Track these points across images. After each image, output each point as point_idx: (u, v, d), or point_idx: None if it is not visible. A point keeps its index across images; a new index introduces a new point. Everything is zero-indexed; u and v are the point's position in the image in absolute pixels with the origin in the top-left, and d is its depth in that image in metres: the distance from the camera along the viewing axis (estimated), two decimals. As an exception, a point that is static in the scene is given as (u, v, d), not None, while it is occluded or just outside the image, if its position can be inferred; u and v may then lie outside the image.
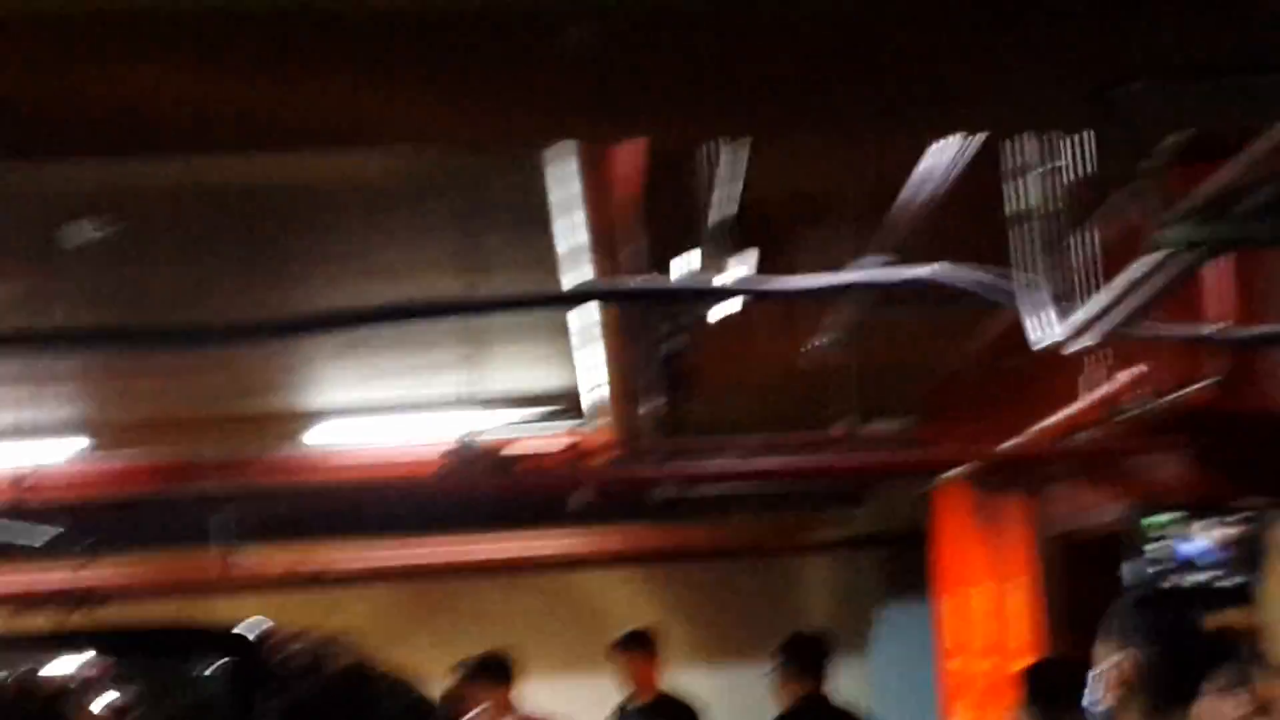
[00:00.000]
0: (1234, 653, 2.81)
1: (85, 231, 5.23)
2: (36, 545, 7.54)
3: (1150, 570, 5.35)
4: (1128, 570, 5.35)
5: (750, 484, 7.80)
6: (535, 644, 9.52)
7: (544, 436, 7.02)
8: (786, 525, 10.31)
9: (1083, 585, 6.63)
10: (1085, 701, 3.45)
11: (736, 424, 7.18)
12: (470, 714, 7.47)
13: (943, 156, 4.12)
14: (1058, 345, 3.83)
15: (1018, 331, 4.00)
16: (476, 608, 10.87)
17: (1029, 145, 3.90)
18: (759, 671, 7.59)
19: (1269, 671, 2.58)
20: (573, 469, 6.83)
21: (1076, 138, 3.72)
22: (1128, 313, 3.58)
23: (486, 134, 3.57)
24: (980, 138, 3.89)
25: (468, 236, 5.60)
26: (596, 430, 6.89)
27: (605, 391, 6.55)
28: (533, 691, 8.20)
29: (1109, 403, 5.53)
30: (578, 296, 5.38)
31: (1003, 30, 2.82)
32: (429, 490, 6.87)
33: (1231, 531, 5.30)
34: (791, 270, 4.40)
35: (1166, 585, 5.28)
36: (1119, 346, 4.93)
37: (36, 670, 5.91)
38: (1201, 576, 5.28)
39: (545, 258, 5.50)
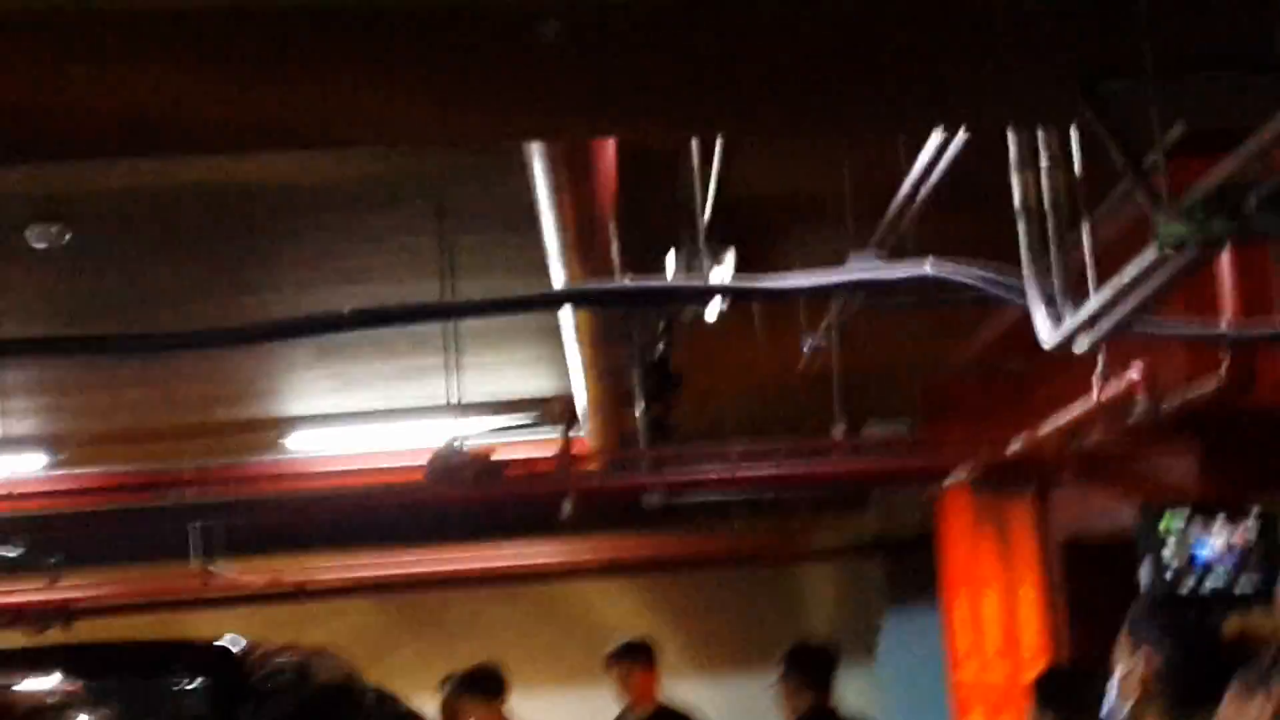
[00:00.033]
0: (1254, 655, 2.73)
1: (47, 237, 5.10)
2: (11, 556, 7.41)
3: (1166, 573, 5.27)
4: (1143, 573, 5.27)
5: (746, 490, 7.71)
6: (529, 656, 9.41)
7: (531, 443, 6.94)
8: (787, 531, 10.21)
9: (1094, 589, 6.60)
10: (1104, 709, 3.38)
11: (731, 428, 7.17)
12: (460, 729, 7.33)
13: (938, 152, 4.05)
14: (1060, 344, 3.72)
15: (1018, 331, 3.92)
16: (465, 619, 10.74)
17: (1026, 140, 3.80)
18: (761, 682, 7.49)
19: None
20: (561, 476, 6.75)
21: (1075, 133, 3.62)
22: (1130, 310, 3.48)
23: (462, 133, 3.61)
24: (975, 133, 3.85)
25: (446, 238, 5.52)
26: (585, 436, 6.80)
27: (597, 397, 6.45)
28: (527, 705, 8.05)
29: (1115, 402, 5.43)
30: (560, 299, 5.27)
31: (996, 25, 2.81)
32: (413, 498, 6.79)
33: (1247, 532, 5.22)
34: (786, 269, 4.35)
35: (1183, 588, 5.20)
36: (1124, 345, 4.84)
37: (9, 689, 5.77)
38: (1218, 579, 5.18)
39: (526, 259, 5.40)
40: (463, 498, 6.63)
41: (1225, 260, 4.68)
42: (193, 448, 7.36)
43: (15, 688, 5.75)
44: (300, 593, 9.58)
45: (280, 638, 6.78)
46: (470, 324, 6.22)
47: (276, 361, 6.93)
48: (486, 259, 5.63)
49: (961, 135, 3.91)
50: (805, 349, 6.01)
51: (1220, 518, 5.23)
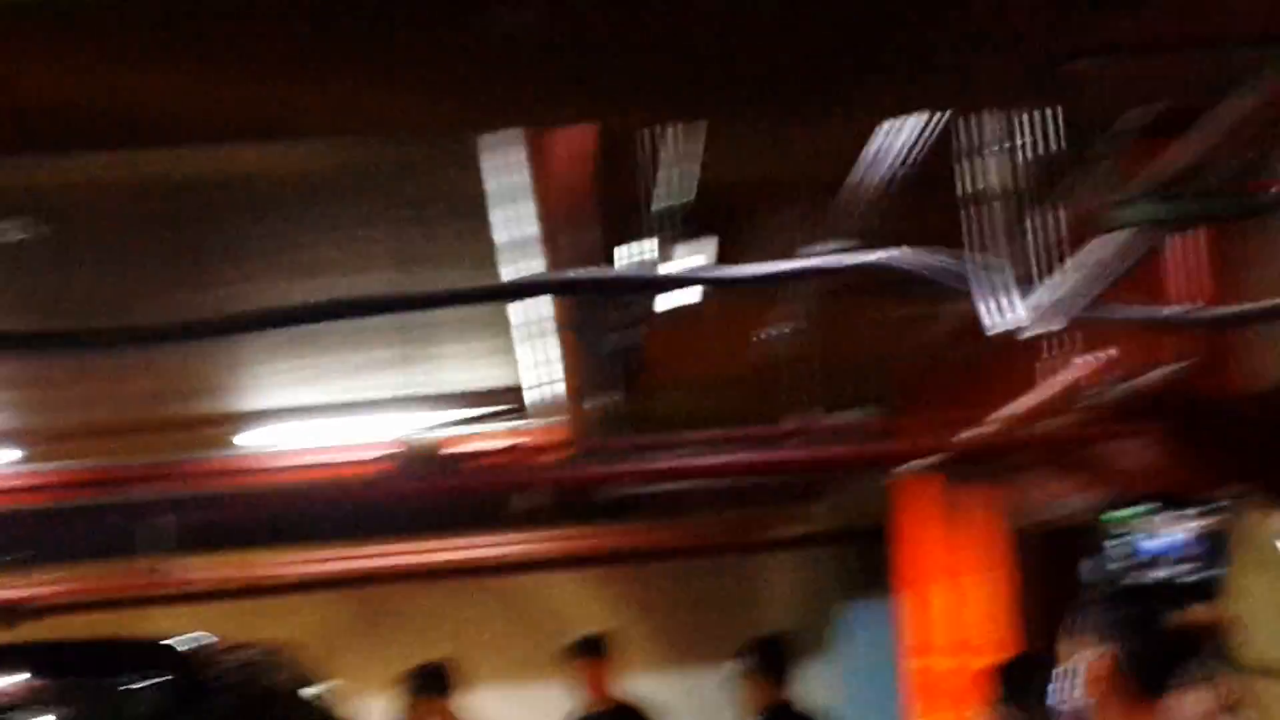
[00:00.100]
0: (1201, 648, 2.74)
1: (3, 233, 5.05)
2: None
3: (1113, 566, 5.29)
4: (1090, 567, 5.28)
5: (706, 481, 7.69)
6: (485, 651, 9.38)
7: (491, 435, 6.91)
8: (744, 522, 10.20)
9: (1051, 579, 6.62)
10: (1052, 699, 3.39)
11: (692, 419, 7.14)
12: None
13: (898, 137, 4.03)
14: (1017, 330, 3.71)
15: (979, 319, 3.88)
16: (424, 615, 10.69)
17: (986, 124, 3.80)
18: (718, 676, 7.46)
19: (1237, 667, 2.49)
20: (521, 468, 6.72)
21: (1034, 116, 3.62)
22: (1088, 294, 3.47)
23: (420, 122, 3.53)
24: (936, 117, 3.84)
25: (405, 229, 5.49)
26: (545, 428, 6.77)
27: (554, 388, 6.43)
28: (483, 700, 8.05)
29: (1073, 389, 5.45)
30: (521, 289, 5.25)
31: (954, 5, 2.79)
32: (371, 493, 6.74)
33: (1196, 526, 5.25)
34: (747, 258, 4.34)
35: (1132, 581, 5.22)
36: (1084, 331, 4.85)
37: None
38: (1166, 572, 5.21)
39: (487, 249, 5.38)
40: (419, 491, 6.60)
41: (1185, 242, 4.69)
42: (144, 443, 7.29)
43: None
44: (255, 589, 9.53)
45: (235, 635, 6.78)
46: (427, 316, 6.18)
47: (230, 355, 6.86)
48: (445, 250, 5.60)
49: (920, 121, 3.89)
50: (765, 338, 6.00)
51: (1170, 510, 5.26)
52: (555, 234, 4.88)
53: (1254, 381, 5.05)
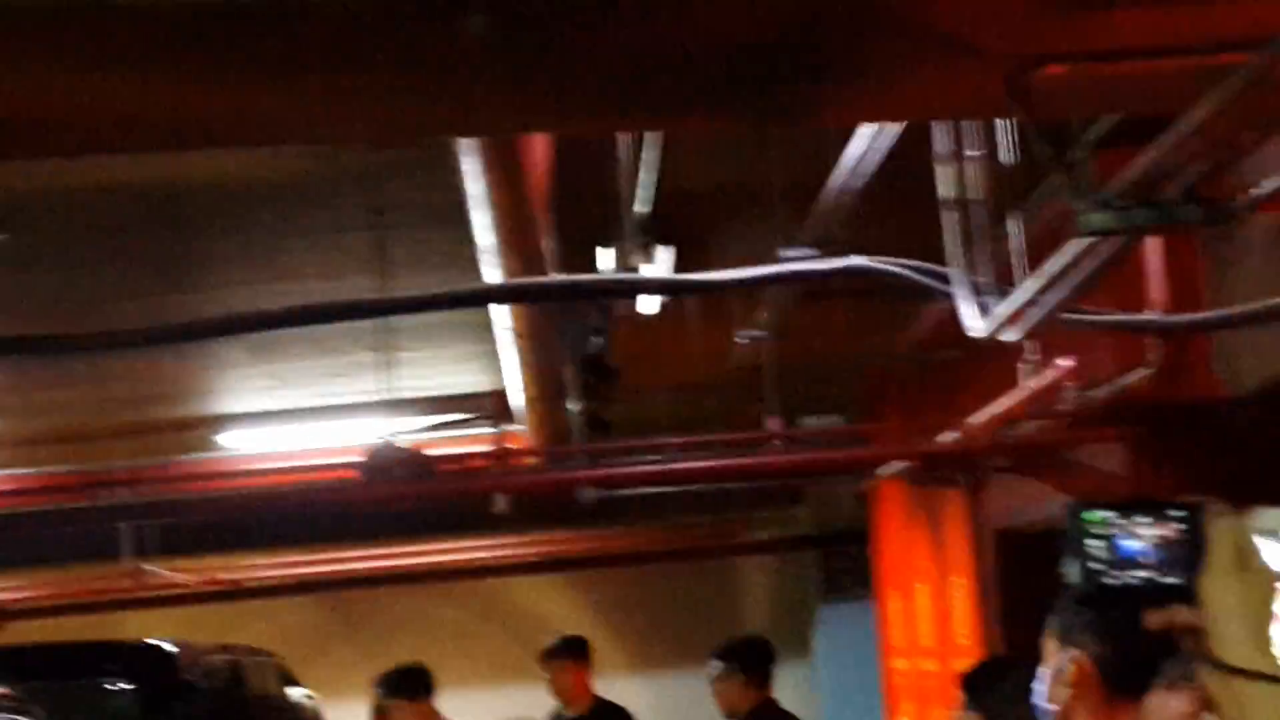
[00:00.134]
0: (1177, 650, 2.74)
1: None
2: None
3: (1089, 567, 5.30)
4: (1068, 568, 5.29)
5: (681, 485, 7.70)
6: (465, 653, 9.38)
7: (465, 439, 6.91)
8: (722, 526, 10.21)
9: (1026, 581, 6.59)
10: (1034, 700, 3.38)
11: (665, 424, 7.15)
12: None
13: (867, 144, 4.04)
14: (988, 335, 3.73)
15: (952, 324, 3.91)
16: (401, 618, 10.69)
17: (955, 131, 3.80)
18: (697, 678, 7.45)
19: (1211, 669, 2.50)
20: (496, 472, 6.71)
21: (1001, 124, 3.63)
22: (1057, 300, 3.49)
23: (390, 129, 3.53)
24: (903, 125, 3.84)
25: (379, 235, 5.49)
26: (519, 432, 6.77)
27: (530, 392, 6.43)
28: (460, 703, 8.02)
29: (1044, 394, 5.45)
30: (492, 294, 5.25)
31: (917, 14, 2.76)
32: (347, 496, 6.73)
33: (1171, 528, 5.25)
34: (717, 264, 4.33)
35: (1108, 583, 5.22)
36: (1055, 337, 4.85)
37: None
38: (1142, 574, 5.22)
39: (460, 255, 5.38)
40: (398, 495, 6.59)
41: (1152, 251, 4.71)
42: (125, 447, 7.29)
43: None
44: (235, 592, 9.52)
45: (215, 638, 6.78)
46: (404, 320, 6.18)
47: (209, 360, 6.87)
48: (420, 255, 5.60)
49: (895, 127, 3.90)
50: (739, 343, 6.01)
51: (1147, 512, 5.27)
52: (520, 240, 4.88)
53: (1228, 385, 5.07)
